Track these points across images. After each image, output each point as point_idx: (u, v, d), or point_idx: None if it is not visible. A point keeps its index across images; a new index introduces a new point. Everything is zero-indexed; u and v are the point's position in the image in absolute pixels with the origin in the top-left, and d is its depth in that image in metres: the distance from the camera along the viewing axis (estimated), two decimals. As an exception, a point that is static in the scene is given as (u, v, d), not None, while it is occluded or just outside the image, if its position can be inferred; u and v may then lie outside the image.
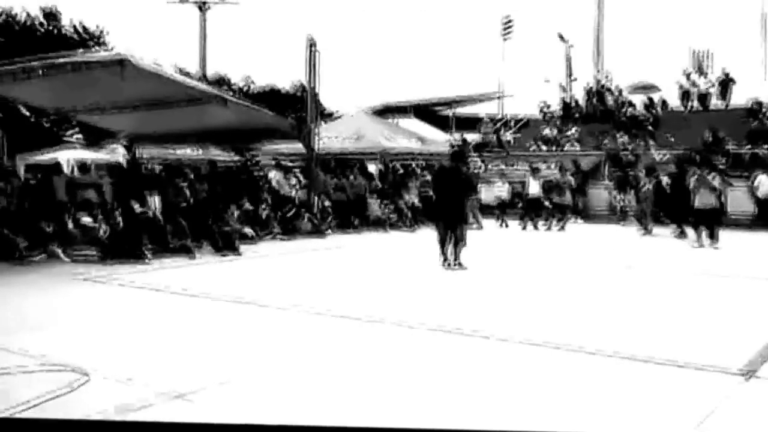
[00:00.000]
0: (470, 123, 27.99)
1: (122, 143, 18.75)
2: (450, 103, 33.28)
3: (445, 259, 9.27)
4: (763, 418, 3.69)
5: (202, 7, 26.46)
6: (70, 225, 11.06)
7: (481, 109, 32.41)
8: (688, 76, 23.17)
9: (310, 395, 3.96)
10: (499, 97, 34.82)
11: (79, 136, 32.65)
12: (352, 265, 10.38)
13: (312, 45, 14.88)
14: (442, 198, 9.63)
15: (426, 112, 35.40)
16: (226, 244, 11.05)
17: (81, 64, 10.54)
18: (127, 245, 10.16)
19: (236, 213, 13.05)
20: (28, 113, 30.62)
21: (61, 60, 10.60)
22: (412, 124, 34.34)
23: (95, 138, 26.42)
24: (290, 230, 13.73)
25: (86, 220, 10.81)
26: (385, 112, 33.86)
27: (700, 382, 4.21)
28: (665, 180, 14.23)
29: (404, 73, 73.98)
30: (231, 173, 15.93)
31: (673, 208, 14.00)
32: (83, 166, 14.27)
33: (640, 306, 6.79)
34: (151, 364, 4.56)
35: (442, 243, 9.35)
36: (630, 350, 4.82)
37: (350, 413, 3.66)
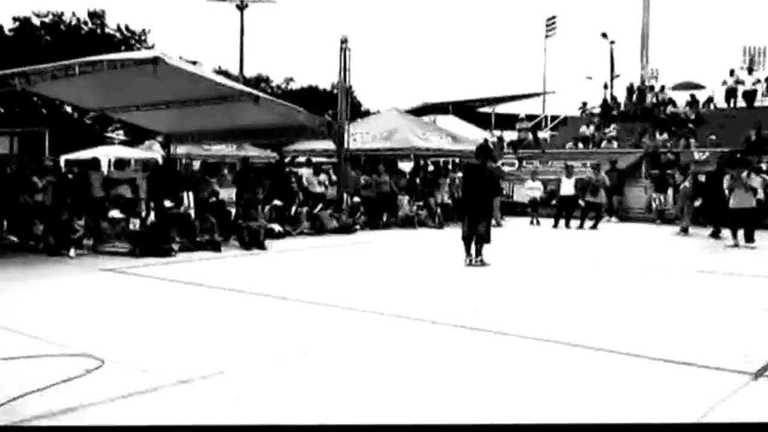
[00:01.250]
0: (511, 121, 27.76)
1: (159, 141, 19.22)
2: (490, 101, 33.10)
3: (468, 255, 9.20)
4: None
5: (241, 5, 26.71)
6: (102, 222, 11.36)
7: (523, 108, 32.17)
8: (732, 73, 22.48)
9: (315, 386, 3.98)
10: (540, 95, 34.49)
11: (121, 133, 33.65)
12: (373, 261, 10.38)
13: (344, 43, 14.94)
14: (467, 195, 9.56)
15: (466, 110, 35.33)
16: (253, 240, 11.18)
17: (116, 62, 10.75)
18: (155, 240, 10.37)
19: (266, 210, 13.22)
20: (71, 112, 31.71)
21: (97, 58, 10.86)
22: (451, 122, 34.29)
23: (137, 136, 27.12)
24: (319, 227, 13.84)
25: (115, 214, 11.05)
26: (425, 110, 33.91)
27: (710, 382, 4.10)
28: (701, 178, 13.83)
29: (446, 71, 73.77)
30: (262, 171, 16.09)
31: (708, 209, 13.63)
32: (119, 162, 14.54)
33: (654, 305, 6.63)
34: (165, 353, 4.65)
35: (467, 240, 9.28)
36: (645, 349, 4.74)
37: (357, 408, 3.66)
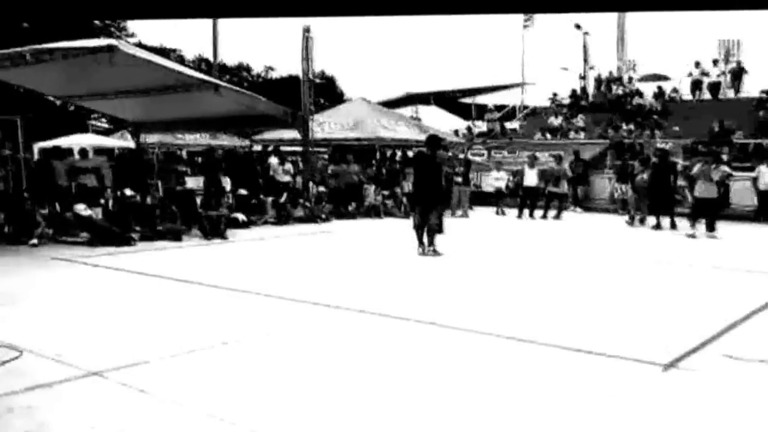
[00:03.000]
0: (497, 110, 28.00)
1: (129, 129, 19.12)
2: (471, 92, 33.25)
3: (421, 245, 9.34)
4: (672, 409, 3.71)
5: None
6: (65, 213, 11.35)
7: (502, 98, 32.37)
8: (697, 64, 22.79)
9: (234, 380, 4.06)
10: (519, 86, 34.59)
11: (104, 121, 33.30)
12: (331, 251, 10.48)
13: (306, 32, 14.98)
14: (418, 185, 9.65)
15: (447, 100, 35.46)
16: (214, 230, 11.25)
17: (70, 51, 10.70)
18: (115, 229, 10.40)
19: (229, 198, 13.28)
20: (54, 99, 31.31)
21: (50, 46, 10.79)
22: (432, 112, 34.42)
23: (119, 124, 26.89)
24: (284, 216, 13.92)
25: (79, 207, 11.05)
26: (408, 101, 33.99)
27: (620, 373, 4.22)
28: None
29: (429, 62, 73.79)
30: (227, 160, 16.10)
31: (653, 200, 13.83)
32: (83, 151, 14.48)
33: (597, 296, 6.78)
34: (91, 344, 4.70)
35: (418, 229, 9.41)
36: (569, 341, 4.83)
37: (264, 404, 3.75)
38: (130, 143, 19.81)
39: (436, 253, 9.23)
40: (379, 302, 6.08)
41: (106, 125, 32.36)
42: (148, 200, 12.55)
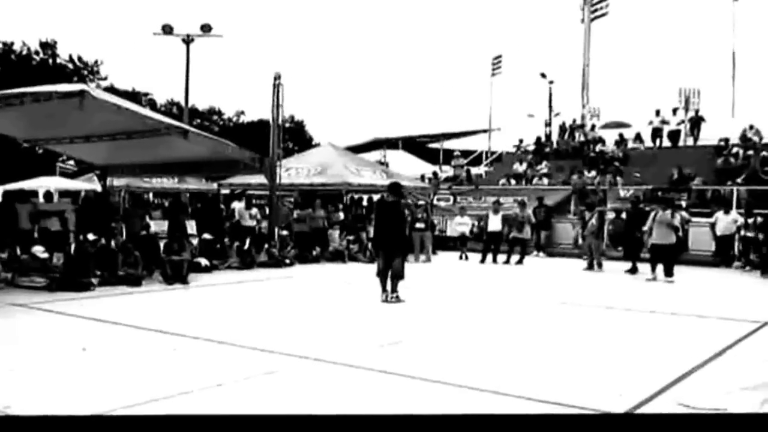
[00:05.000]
0: (463, 156, 28.50)
1: (96, 173, 19.10)
2: (439, 137, 33.91)
3: (384, 292, 9.41)
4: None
5: (187, 39, 26.87)
6: (24, 256, 11.27)
7: (469, 143, 33.06)
8: (658, 113, 23.58)
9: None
10: (486, 132, 35.36)
11: (71, 163, 33.11)
12: (293, 296, 10.48)
13: (277, 79, 15.26)
14: (380, 231, 9.75)
15: (415, 145, 36.09)
16: (175, 274, 11.23)
17: (40, 95, 10.77)
18: (74, 274, 10.34)
19: (193, 243, 13.28)
20: (22, 142, 31.20)
21: (20, 91, 10.86)
22: (400, 156, 34.94)
23: (88, 167, 26.83)
24: (249, 261, 13.92)
25: (37, 249, 10.98)
26: (376, 145, 34.49)
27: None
28: (610, 216, 14.47)
29: (398, 107, 75.01)
30: (193, 204, 16.13)
31: (626, 245, 14.26)
32: (47, 194, 14.42)
33: (552, 344, 6.86)
34: (36, 394, 4.66)
35: (382, 276, 9.47)
36: (524, 390, 4.88)
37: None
38: (97, 186, 19.80)
39: (398, 299, 9.30)
40: (336, 350, 6.10)
41: (74, 167, 32.21)
42: (112, 244, 12.50)
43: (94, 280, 10.43)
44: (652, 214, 13.20)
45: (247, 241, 14.17)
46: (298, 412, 4.37)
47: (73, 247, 11.74)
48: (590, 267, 14.66)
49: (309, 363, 5.71)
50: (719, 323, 8.22)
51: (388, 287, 9.40)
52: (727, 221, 16.16)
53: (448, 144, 33.76)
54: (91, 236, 11.66)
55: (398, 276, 9.43)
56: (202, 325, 7.31)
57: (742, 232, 15.95)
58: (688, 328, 7.93)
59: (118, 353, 6.04)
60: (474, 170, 25.09)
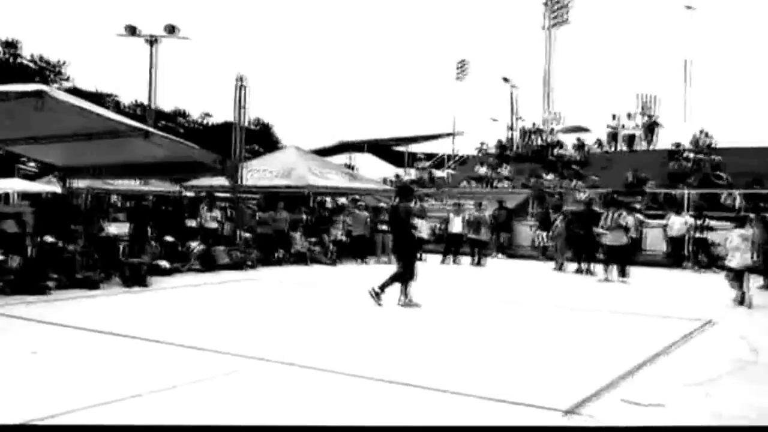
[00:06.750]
0: (426, 159, 28.87)
1: (56, 175, 18.85)
2: (405, 141, 34.21)
3: (402, 294, 9.30)
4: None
5: (151, 40, 26.69)
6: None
7: (434, 147, 33.46)
8: (614, 117, 24.19)
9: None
10: (450, 135, 35.75)
11: (33, 165, 32.57)
12: (254, 298, 10.57)
13: (240, 81, 15.30)
14: (393, 235, 9.96)
15: (381, 148, 36.36)
16: (134, 277, 11.21)
17: (-3, 94, 10.64)
18: (30, 277, 10.26)
19: (153, 245, 13.25)
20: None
21: (-25, 91, 10.71)
22: (367, 159, 35.18)
23: (48, 169, 26.41)
24: (211, 263, 13.92)
25: (-9, 252, 10.85)
26: (342, 148, 34.64)
27: (521, 420, 4.40)
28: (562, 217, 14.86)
29: (364, 111, 75.29)
30: (156, 206, 16.07)
31: (578, 247, 14.63)
32: (5, 196, 14.24)
33: (502, 342, 7.08)
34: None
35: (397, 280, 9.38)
36: (472, 388, 5.02)
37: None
38: (58, 188, 19.53)
39: (409, 304, 9.20)
40: (294, 352, 6.19)
41: (35, 169, 31.70)
42: (71, 247, 12.41)
43: (51, 284, 10.37)
44: (604, 215, 13.61)
45: (210, 243, 14.16)
46: (251, 414, 4.49)
47: (30, 249, 11.61)
48: (560, 268, 15.02)
49: (269, 365, 5.77)
50: (668, 322, 8.51)
51: (404, 291, 9.31)
52: (679, 223, 16.70)
53: (414, 147, 34.09)
54: (49, 239, 11.56)
55: (394, 278, 9.33)
56: (161, 328, 7.35)
57: (693, 234, 16.51)
58: (638, 326, 8.21)
59: (69, 356, 6.05)
60: (438, 173, 25.39)
